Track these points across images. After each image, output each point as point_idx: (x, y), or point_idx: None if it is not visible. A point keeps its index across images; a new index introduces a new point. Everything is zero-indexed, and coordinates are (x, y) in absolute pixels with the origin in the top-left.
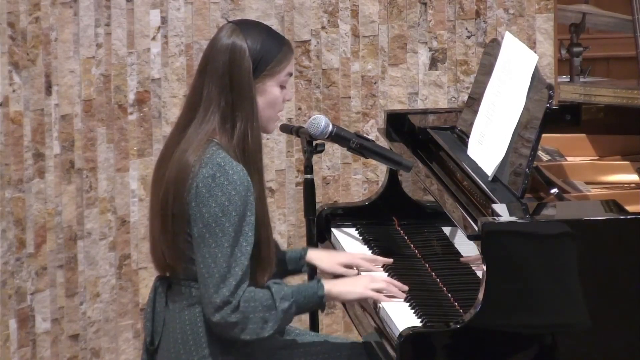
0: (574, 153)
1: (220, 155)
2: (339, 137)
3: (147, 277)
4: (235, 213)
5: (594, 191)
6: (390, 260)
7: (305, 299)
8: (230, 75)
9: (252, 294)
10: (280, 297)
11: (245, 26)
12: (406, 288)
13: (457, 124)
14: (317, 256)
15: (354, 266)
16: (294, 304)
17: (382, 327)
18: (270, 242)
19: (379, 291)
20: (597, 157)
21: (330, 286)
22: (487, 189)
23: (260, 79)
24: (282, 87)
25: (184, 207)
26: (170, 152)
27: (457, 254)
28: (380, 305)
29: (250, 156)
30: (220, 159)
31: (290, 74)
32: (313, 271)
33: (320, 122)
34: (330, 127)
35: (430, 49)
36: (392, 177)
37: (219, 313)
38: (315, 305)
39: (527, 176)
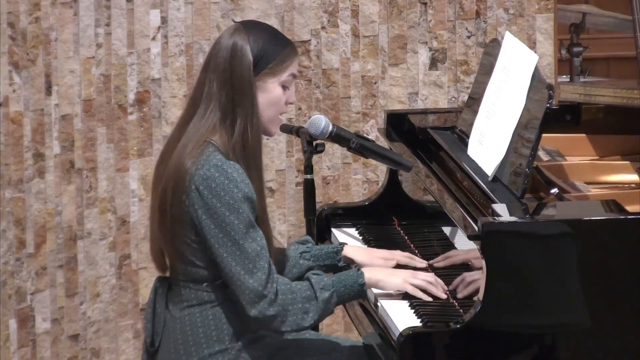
0: (574, 153)
1: (217, 157)
2: (339, 137)
3: (147, 277)
4: (241, 210)
5: (594, 191)
6: (425, 262)
7: (346, 288)
8: (231, 71)
9: (288, 286)
10: (320, 287)
11: (249, 25)
12: (444, 296)
13: (457, 124)
14: (354, 251)
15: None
16: (335, 293)
17: (382, 327)
18: (270, 238)
19: (417, 287)
20: (597, 157)
21: (370, 274)
22: (487, 189)
23: (261, 77)
24: (285, 88)
25: (183, 209)
26: (171, 149)
27: None
28: (380, 304)
29: (250, 152)
30: (216, 160)
31: (294, 76)
32: (349, 266)
33: (320, 122)
34: (330, 127)
35: (430, 49)
36: (392, 177)
37: (256, 308)
38: (356, 294)
39: (527, 176)
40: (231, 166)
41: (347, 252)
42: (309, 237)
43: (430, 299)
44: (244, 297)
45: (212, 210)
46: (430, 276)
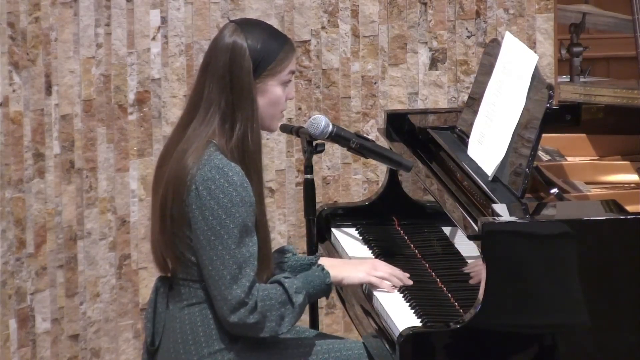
0: (574, 153)
1: (218, 157)
2: (339, 137)
3: (147, 277)
4: (238, 214)
5: (594, 191)
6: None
7: (315, 288)
8: (231, 76)
9: (266, 292)
10: (294, 291)
11: (246, 26)
12: (407, 275)
13: (457, 124)
14: (330, 263)
15: None
16: (307, 295)
17: (382, 327)
18: (268, 241)
19: (380, 279)
20: (597, 157)
21: (335, 272)
22: (487, 189)
23: (261, 79)
24: (285, 85)
25: (184, 209)
26: (171, 151)
27: (457, 254)
28: (380, 304)
29: (250, 157)
30: (217, 161)
31: (293, 72)
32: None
33: (320, 122)
34: (330, 127)
35: (430, 49)
36: (392, 177)
37: (236, 314)
38: (323, 293)
39: (527, 176)
40: (232, 168)
41: (323, 264)
42: (290, 247)
43: (394, 290)
44: (225, 302)
45: (208, 212)
46: (391, 267)
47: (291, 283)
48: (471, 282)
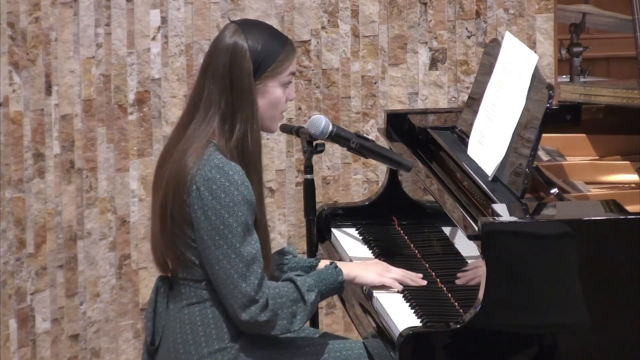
0: (574, 153)
1: (217, 157)
2: (339, 137)
3: (147, 277)
4: (240, 213)
5: (594, 191)
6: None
7: (327, 286)
8: (231, 77)
9: (277, 289)
10: (306, 289)
11: (247, 26)
12: (420, 276)
13: (457, 124)
14: (342, 263)
15: None
16: (319, 294)
17: (382, 327)
18: (268, 242)
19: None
20: (597, 157)
21: (347, 270)
22: (487, 189)
23: (261, 80)
24: (285, 86)
25: (184, 209)
26: (171, 151)
27: (457, 254)
28: (380, 304)
29: (249, 158)
30: (217, 161)
31: (293, 74)
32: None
33: (320, 122)
34: (330, 127)
35: (430, 49)
36: (392, 177)
37: (247, 312)
38: (335, 291)
39: (527, 176)
40: (232, 167)
41: (335, 262)
42: (290, 249)
43: (400, 287)
44: (235, 300)
45: (210, 212)
46: (402, 270)
47: (303, 281)
48: (471, 282)
